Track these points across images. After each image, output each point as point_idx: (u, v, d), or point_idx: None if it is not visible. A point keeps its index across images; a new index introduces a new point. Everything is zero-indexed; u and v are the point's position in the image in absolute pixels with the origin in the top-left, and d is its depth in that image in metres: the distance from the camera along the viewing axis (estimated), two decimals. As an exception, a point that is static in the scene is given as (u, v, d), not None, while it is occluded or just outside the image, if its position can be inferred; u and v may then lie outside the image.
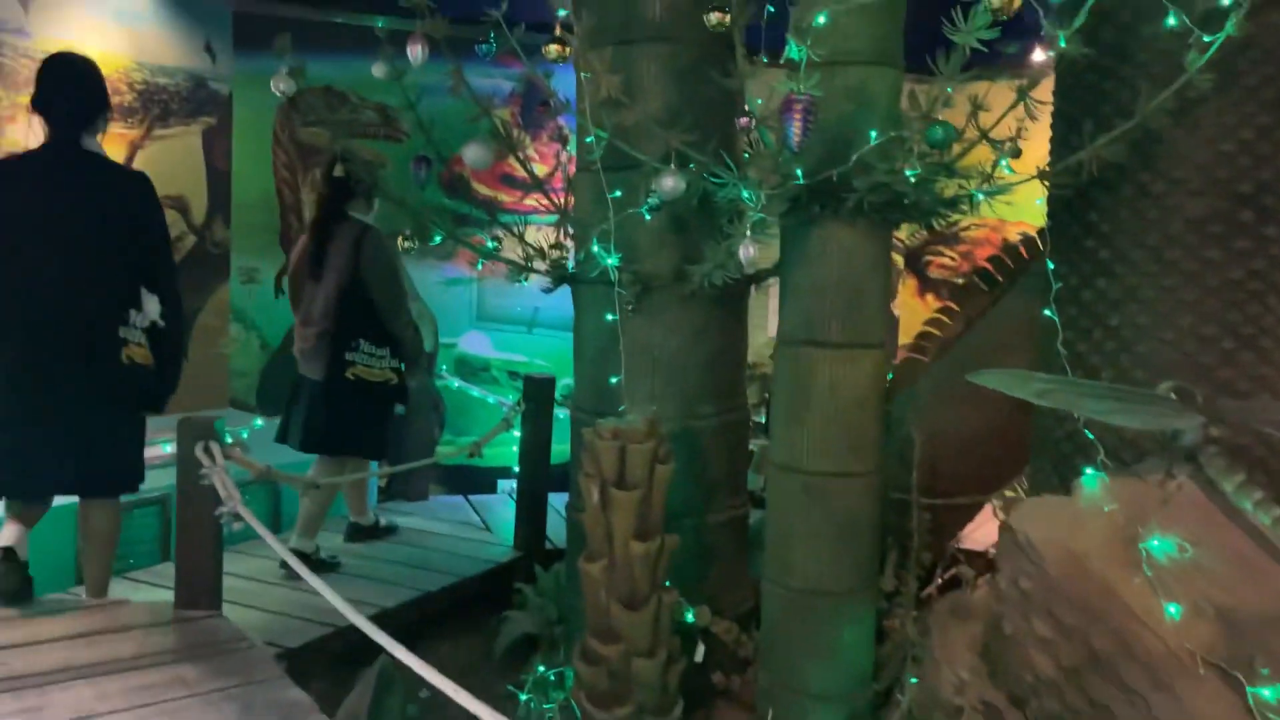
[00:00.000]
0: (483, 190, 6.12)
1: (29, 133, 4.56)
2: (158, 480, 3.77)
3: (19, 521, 3.20)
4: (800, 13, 2.45)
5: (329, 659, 3.42)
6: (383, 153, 5.82)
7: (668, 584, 2.84)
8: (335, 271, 4.18)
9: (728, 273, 3.01)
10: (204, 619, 3.09)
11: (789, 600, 2.85)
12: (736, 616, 3.23)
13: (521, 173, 6.01)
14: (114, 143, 4.97)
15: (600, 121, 3.01)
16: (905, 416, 3.37)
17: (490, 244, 4.19)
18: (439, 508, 5.60)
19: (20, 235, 3.08)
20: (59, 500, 3.40)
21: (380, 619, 3.19)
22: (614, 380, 3.28)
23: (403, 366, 4.37)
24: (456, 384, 5.96)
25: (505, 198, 6.02)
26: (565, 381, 6.29)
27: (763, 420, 4.19)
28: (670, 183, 2.76)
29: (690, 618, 3.04)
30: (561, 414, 4.89)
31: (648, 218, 3.15)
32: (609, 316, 3.30)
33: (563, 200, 3.89)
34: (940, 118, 2.40)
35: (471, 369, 6.10)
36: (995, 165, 2.51)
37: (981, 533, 3.85)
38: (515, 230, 4.18)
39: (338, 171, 3.88)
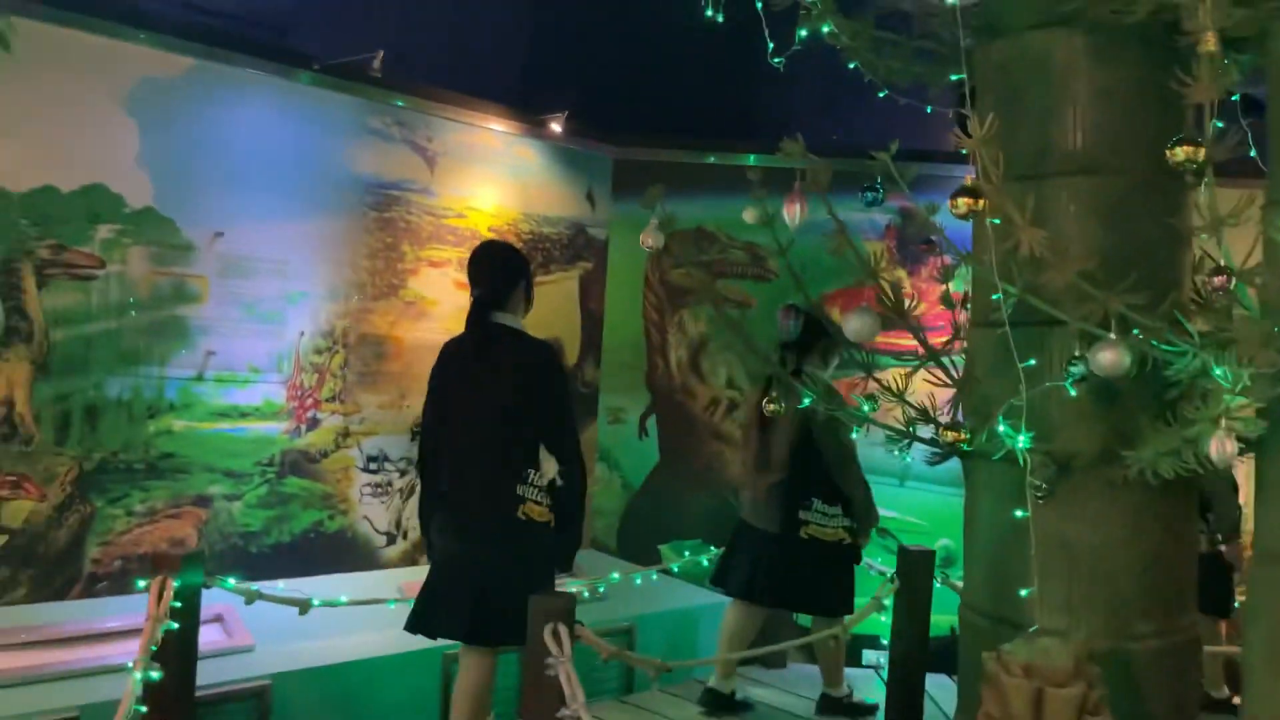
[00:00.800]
0: (853, 329, 5.70)
1: (429, 285, 4.89)
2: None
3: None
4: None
5: None
6: (750, 293, 5.64)
7: None
8: (785, 424, 3.98)
9: (1181, 463, 2.33)
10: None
11: None
12: None
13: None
14: (499, 290, 5.18)
15: (1009, 274, 2.49)
16: None
17: (864, 406, 3.77)
18: (798, 678, 5.09)
19: (451, 403, 3.43)
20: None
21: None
22: (1023, 591, 2.65)
23: (855, 525, 4.14)
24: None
25: (879, 339, 5.55)
26: (943, 543, 5.63)
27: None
28: (1110, 356, 2.18)
29: None
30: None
31: (1073, 393, 2.55)
32: (1016, 508, 2.70)
33: (950, 357, 3.36)
34: None
35: (836, 522, 5.59)
36: None
37: None
38: (893, 387, 3.71)
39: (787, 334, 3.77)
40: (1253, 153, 2.59)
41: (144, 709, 2.73)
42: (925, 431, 3.20)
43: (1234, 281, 2.05)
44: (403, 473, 4.87)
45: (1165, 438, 2.34)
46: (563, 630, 2.75)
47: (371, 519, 4.77)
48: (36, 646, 3.52)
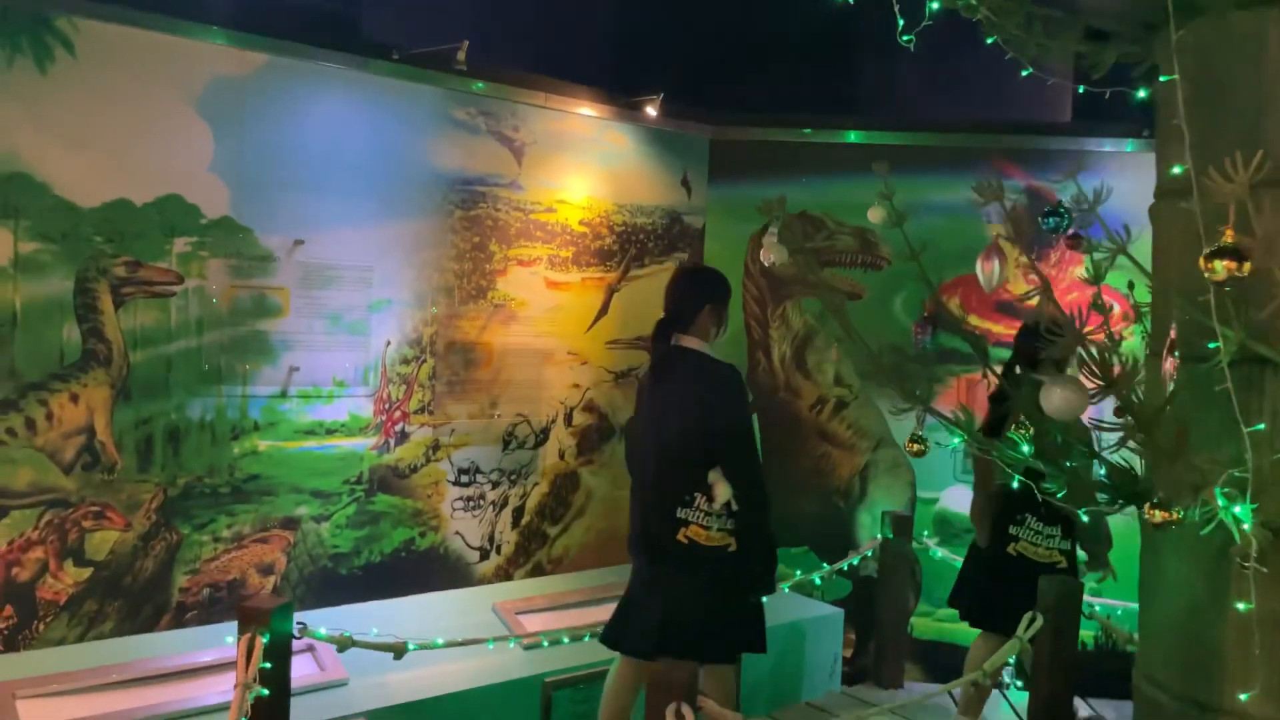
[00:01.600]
0: (974, 322, 5.26)
1: (518, 285, 4.59)
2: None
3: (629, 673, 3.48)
4: None
5: None
6: (861, 283, 5.22)
7: None
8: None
9: None
10: None
11: None
12: None
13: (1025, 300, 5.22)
14: (592, 289, 4.89)
15: (1223, 310, 2.06)
16: None
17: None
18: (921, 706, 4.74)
19: (639, 426, 3.54)
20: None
21: None
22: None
23: (1074, 547, 3.95)
24: (939, 553, 5.07)
25: (1004, 330, 5.09)
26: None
27: None
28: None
29: None
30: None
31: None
32: (1214, 575, 2.29)
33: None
34: None
35: (956, 531, 5.20)
36: None
37: None
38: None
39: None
40: None
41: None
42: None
43: None
44: (495, 484, 4.62)
45: None
46: (686, 711, 2.45)
47: (464, 534, 4.53)
48: (128, 685, 3.36)
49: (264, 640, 2.77)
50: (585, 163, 4.86)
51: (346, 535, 4.18)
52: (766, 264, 3.05)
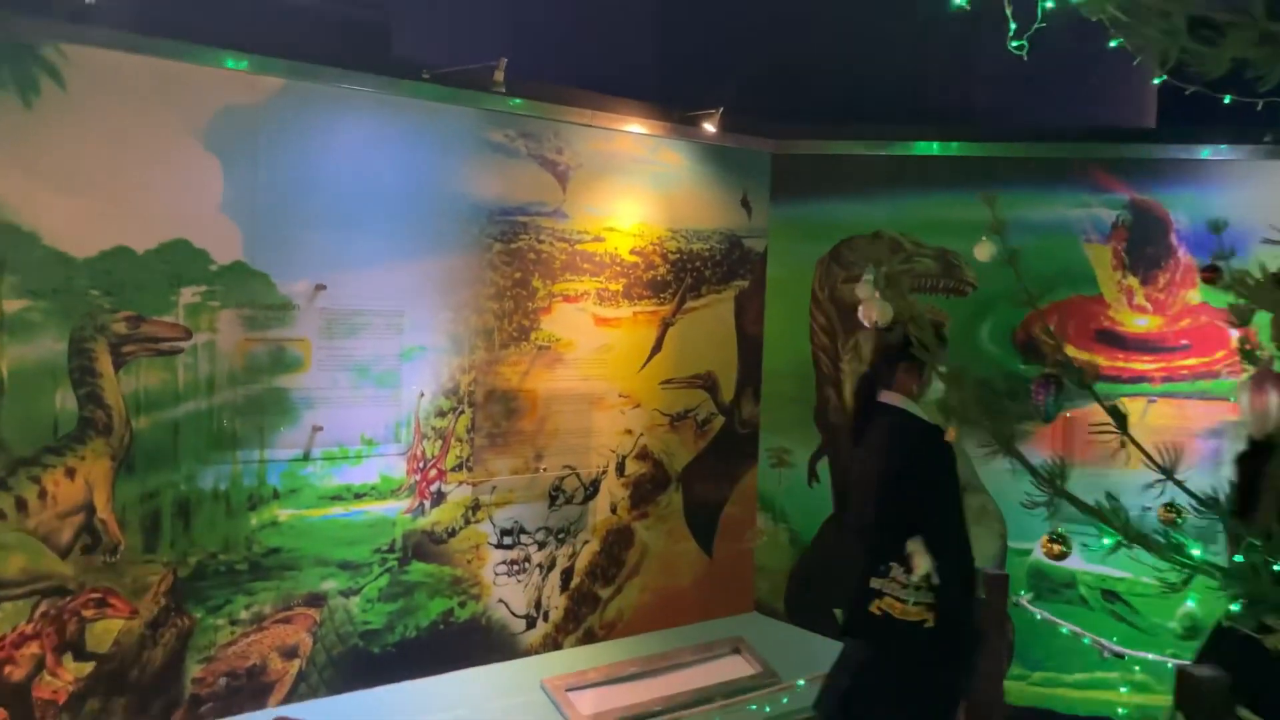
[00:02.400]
0: (1072, 353, 4.71)
1: (564, 324, 4.14)
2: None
3: None
4: None
5: None
6: (943, 310, 4.70)
7: None
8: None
9: None
10: None
11: None
12: None
13: (1128, 327, 4.68)
14: (644, 324, 4.43)
15: None
16: None
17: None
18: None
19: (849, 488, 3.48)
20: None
21: None
22: None
23: None
24: (1039, 614, 4.53)
25: (1105, 362, 4.54)
26: (1186, 609, 4.65)
27: None
28: None
29: None
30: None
31: None
32: None
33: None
34: None
35: (1052, 585, 4.68)
36: None
37: None
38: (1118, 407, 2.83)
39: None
40: None
41: None
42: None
43: None
44: (541, 545, 4.18)
45: None
46: None
47: (508, 601, 4.09)
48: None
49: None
50: (636, 185, 4.39)
51: (378, 610, 3.76)
52: (868, 323, 2.59)
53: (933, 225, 4.73)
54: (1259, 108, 2.88)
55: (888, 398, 3.19)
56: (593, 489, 4.33)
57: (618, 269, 4.34)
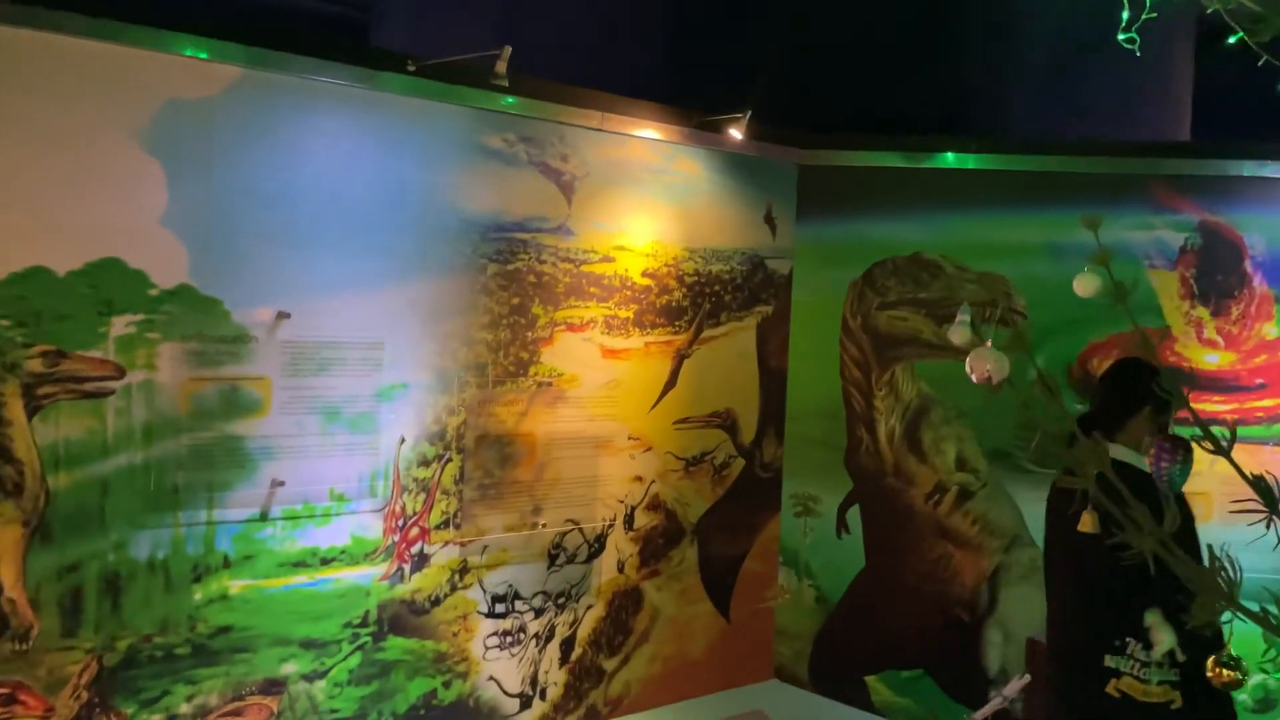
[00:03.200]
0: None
1: (567, 356, 3.61)
2: None
3: None
4: None
5: None
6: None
7: None
8: None
9: None
10: None
11: None
12: None
13: (1197, 364, 4.19)
14: (657, 356, 3.90)
15: None
16: None
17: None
18: None
19: (1053, 550, 3.04)
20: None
21: None
22: None
23: None
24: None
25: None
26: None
27: None
28: None
29: None
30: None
31: None
32: None
33: None
34: None
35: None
36: None
37: None
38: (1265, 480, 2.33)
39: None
40: None
41: None
42: None
43: None
44: (538, 612, 3.63)
45: None
46: None
47: (500, 679, 3.53)
48: None
49: None
50: (650, 198, 3.86)
51: (349, 694, 3.19)
52: (978, 379, 2.07)
53: (977, 247, 4.24)
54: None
55: (1116, 451, 2.71)
56: (598, 546, 3.78)
57: (629, 293, 3.81)
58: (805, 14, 4.72)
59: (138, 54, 2.74)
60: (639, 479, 3.89)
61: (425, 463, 3.33)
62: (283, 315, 3.00)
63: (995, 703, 3.32)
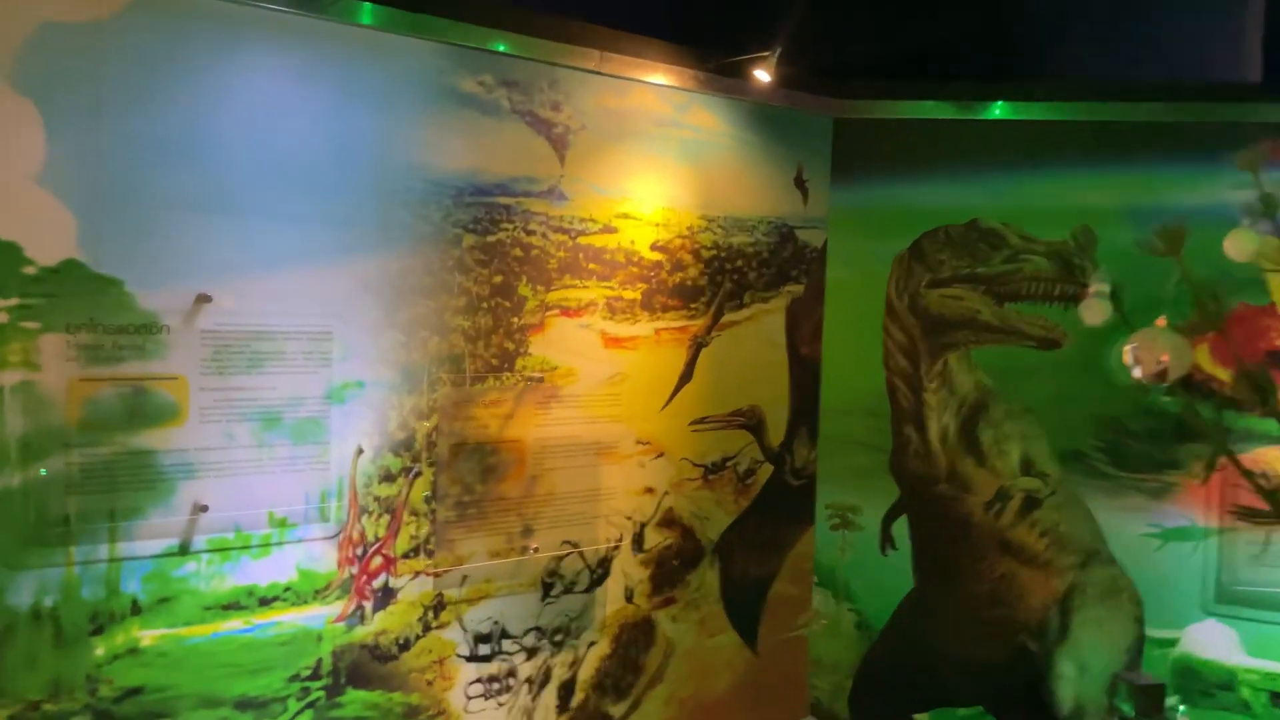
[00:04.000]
0: (1224, 377, 3.60)
1: (561, 346, 3.02)
2: None
3: None
4: None
5: None
6: (1058, 325, 3.59)
7: None
8: None
9: None
10: None
11: None
12: None
13: None
14: (670, 344, 3.30)
15: None
16: None
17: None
18: None
19: None
20: None
21: None
22: None
23: None
24: (1180, 712, 3.49)
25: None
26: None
27: None
28: None
29: None
30: None
31: None
32: None
33: None
34: None
35: (1204, 687, 3.58)
36: None
37: None
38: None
39: None
40: None
41: None
42: None
43: None
44: (531, 652, 3.04)
45: None
46: None
47: (484, 734, 2.96)
48: None
49: None
50: (659, 157, 3.26)
51: (296, 763, 2.62)
52: (1144, 376, 1.48)
53: (1044, 212, 3.65)
54: None
55: None
56: (601, 571, 3.20)
57: (636, 270, 3.21)
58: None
59: (5, -35, 2.15)
60: (649, 491, 3.31)
61: (389, 478, 2.74)
62: (203, 298, 2.41)
63: None
